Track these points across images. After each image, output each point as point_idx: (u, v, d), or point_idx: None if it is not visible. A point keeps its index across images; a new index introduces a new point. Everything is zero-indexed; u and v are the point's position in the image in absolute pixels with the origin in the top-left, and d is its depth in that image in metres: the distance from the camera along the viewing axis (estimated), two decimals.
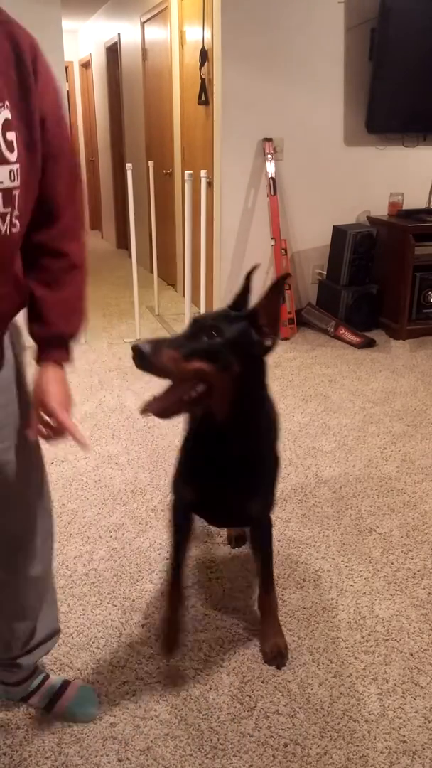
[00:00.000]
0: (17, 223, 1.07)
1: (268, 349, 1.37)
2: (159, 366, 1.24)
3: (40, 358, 1.21)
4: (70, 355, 1.24)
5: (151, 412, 1.30)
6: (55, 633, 1.59)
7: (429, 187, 4.60)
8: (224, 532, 2.28)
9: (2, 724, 1.55)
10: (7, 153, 1.01)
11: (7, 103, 1.01)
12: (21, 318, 1.23)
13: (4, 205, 1.02)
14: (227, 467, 1.50)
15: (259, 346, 1.36)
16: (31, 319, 1.21)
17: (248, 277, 1.51)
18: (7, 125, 1.01)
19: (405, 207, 4.46)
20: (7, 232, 1.05)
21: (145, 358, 1.22)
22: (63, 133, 1.14)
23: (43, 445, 1.29)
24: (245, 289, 1.49)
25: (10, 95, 1.02)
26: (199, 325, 1.33)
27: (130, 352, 1.24)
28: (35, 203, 1.12)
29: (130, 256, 4.40)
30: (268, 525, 1.73)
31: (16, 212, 1.05)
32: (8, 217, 1.04)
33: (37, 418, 1.19)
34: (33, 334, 1.22)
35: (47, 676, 1.62)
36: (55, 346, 1.22)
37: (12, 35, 1.05)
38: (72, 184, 1.18)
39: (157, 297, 4.94)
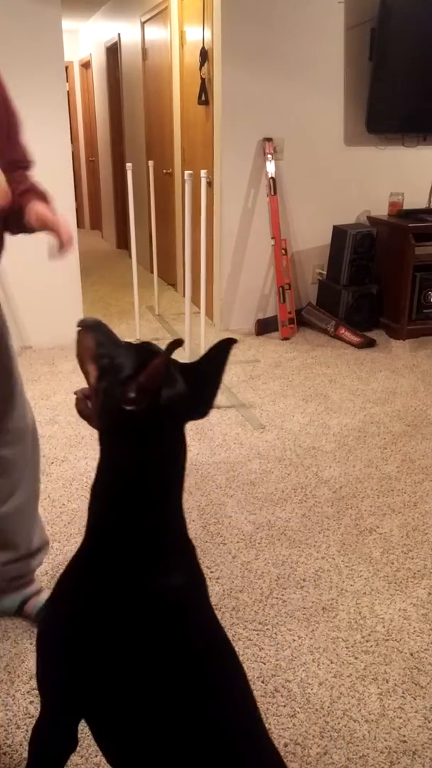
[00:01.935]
0: None
1: (126, 404, 0.96)
2: (78, 340, 1.07)
3: (27, 201, 1.52)
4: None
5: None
6: (44, 545, 1.88)
7: (429, 187, 4.60)
8: (225, 532, 2.28)
9: (2, 724, 1.55)
10: None
11: None
12: None
13: None
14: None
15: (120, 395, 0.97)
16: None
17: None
18: None
19: (405, 207, 4.46)
20: None
21: (86, 324, 1.07)
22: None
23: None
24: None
25: None
26: (137, 347, 1.06)
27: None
28: None
29: (130, 256, 4.40)
30: None
31: None
32: None
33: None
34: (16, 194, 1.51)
35: (41, 590, 1.88)
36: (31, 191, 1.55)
37: None
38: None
39: (157, 297, 4.94)
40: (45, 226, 1.49)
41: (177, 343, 0.91)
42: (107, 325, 1.08)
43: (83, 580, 1.06)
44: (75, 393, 1.07)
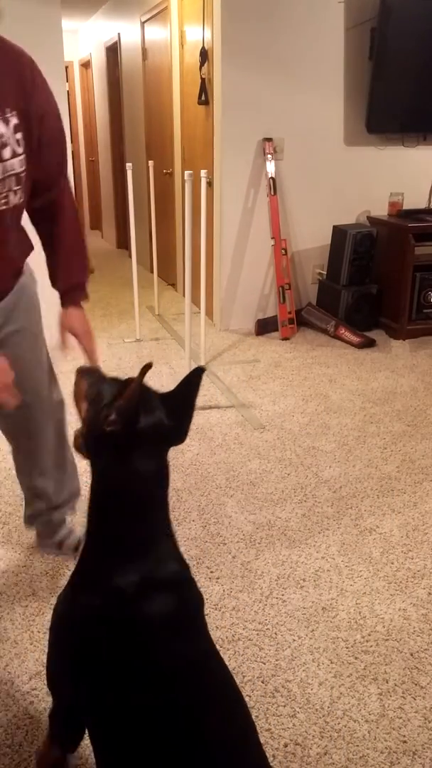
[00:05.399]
0: (23, 195, 1.52)
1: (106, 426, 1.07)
2: (75, 383, 1.22)
3: (63, 303, 1.72)
4: (84, 295, 1.74)
5: None
6: (77, 494, 2.06)
7: (429, 187, 4.60)
8: (225, 532, 2.28)
9: (2, 724, 1.55)
10: (17, 148, 1.43)
11: (14, 111, 1.41)
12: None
13: (17, 184, 1.47)
14: None
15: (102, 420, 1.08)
16: (51, 277, 1.71)
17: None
18: (17, 127, 1.42)
19: (405, 207, 4.45)
20: (19, 202, 1.51)
21: (82, 370, 1.23)
22: (58, 124, 1.56)
23: None
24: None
25: (15, 103, 1.41)
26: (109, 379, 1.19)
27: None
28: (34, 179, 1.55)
29: (130, 256, 4.40)
30: None
31: (22, 188, 1.49)
32: (19, 192, 1.49)
33: (64, 340, 1.72)
34: (55, 287, 1.71)
35: (72, 531, 2.10)
36: (69, 293, 1.72)
37: (11, 55, 1.42)
38: (63, 162, 1.64)
39: (157, 297, 4.93)
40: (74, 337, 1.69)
41: (148, 367, 1.03)
42: (100, 368, 1.26)
43: (72, 581, 1.17)
44: (74, 432, 1.18)
